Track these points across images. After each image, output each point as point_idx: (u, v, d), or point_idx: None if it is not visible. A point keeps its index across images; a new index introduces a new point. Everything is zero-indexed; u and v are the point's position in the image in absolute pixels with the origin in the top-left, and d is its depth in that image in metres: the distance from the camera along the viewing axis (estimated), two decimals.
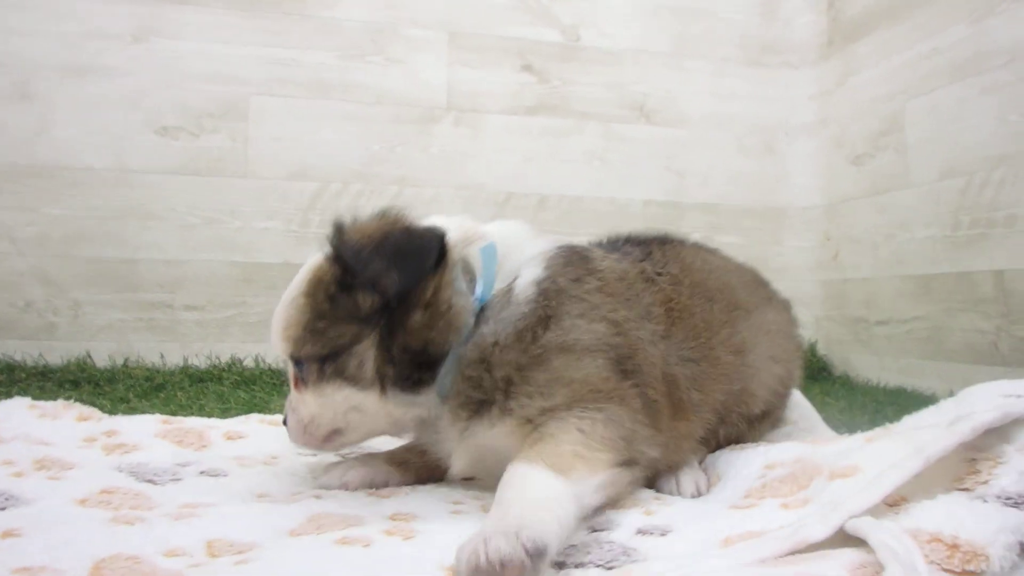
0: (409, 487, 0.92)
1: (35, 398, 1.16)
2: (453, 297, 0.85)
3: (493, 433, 0.84)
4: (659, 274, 1.01)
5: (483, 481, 0.92)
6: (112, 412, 1.45)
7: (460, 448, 0.87)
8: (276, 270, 2.09)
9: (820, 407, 1.78)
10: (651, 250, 1.06)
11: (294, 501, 0.82)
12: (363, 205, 2.17)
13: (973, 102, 1.89)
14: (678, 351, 0.95)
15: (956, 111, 1.94)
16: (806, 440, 0.94)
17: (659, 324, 0.94)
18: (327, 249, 0.89)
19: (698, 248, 1.16)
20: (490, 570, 0.59)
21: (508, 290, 0.89)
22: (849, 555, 0.57)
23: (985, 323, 1.85)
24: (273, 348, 0.92)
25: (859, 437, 0.88)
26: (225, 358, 2.02)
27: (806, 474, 0.79)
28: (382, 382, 0.85)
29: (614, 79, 2.39)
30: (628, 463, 0.80)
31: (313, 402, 0.88)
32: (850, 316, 2.33)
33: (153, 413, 1.44)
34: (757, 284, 1.18)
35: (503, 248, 0.92)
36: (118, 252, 1.99)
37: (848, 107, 2.36)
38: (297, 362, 0.89)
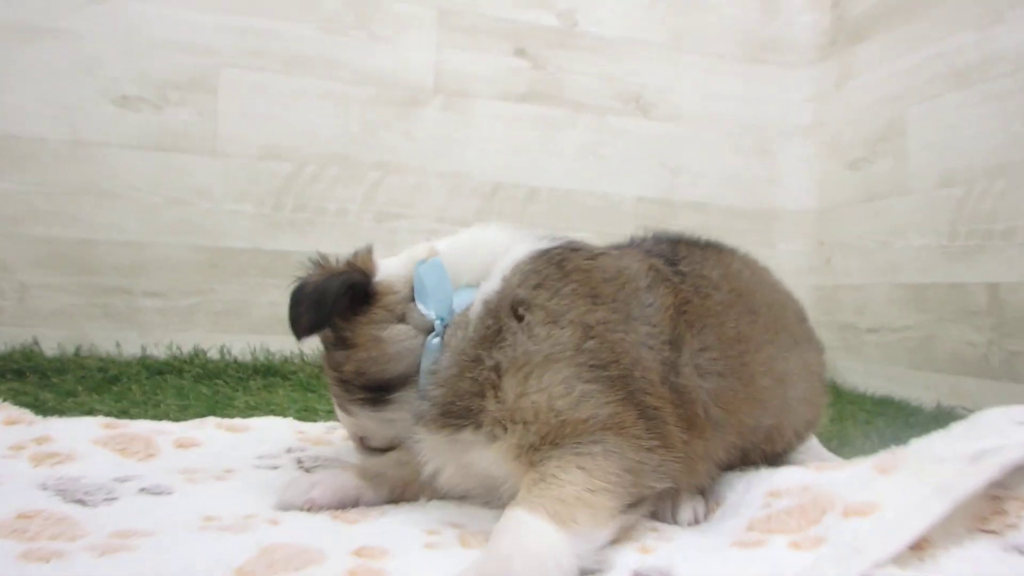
0: (379, 509, 0.82)
1: None
2: (383, 332, 0.85)
3: (482, 455, 0.77)
4: (680, 273, 0.91)
5: (461, 505, 0.84)
6: (57, 406, 1.34)
7: (444, 461, 0.81)
8: (246, 256, 1.97)
9: None
10: (682, 250, 0.97)
11: (246, 527, 0.72)
12: (341, 190, 2.07)
13: (976, 109, 1.83)
14: (695, 360, 0.85)
15: (959, 118, 1.89)
16: (810, 466, 0.87)
17: (660, 327, 0.83)
18: None
19: (748, 259, 1.07)
20: None
21: (467, 310, 0.84)
22: None
23: (977, 335, 1.80)
24: None
25: (868, 465, 0.82)
26: (187, 349, 1.90)
27: (816, 507, 0.71)
28: (339, 401, 0.91)
29: (610, 69, 2.30)
30: (636, 504, 0.72)
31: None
32: (840, 323, 2.29)
33: (104, 408, 1.33)
34: (802, 318, 1.08)
35: (470, 261, 0.88)
36: (71, 232, 1.85)
37: (847, 110, 2.30)
38: None
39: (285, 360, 1.92)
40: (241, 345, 1.94)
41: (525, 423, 0.73)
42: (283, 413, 1.38)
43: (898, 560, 0.58)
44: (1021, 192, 1.72)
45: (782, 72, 2.46)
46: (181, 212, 1.93)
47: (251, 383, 1.77)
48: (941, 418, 1.63)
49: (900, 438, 1.03)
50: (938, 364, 1.92)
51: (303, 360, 1.93)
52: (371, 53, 2.08)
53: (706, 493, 0.88)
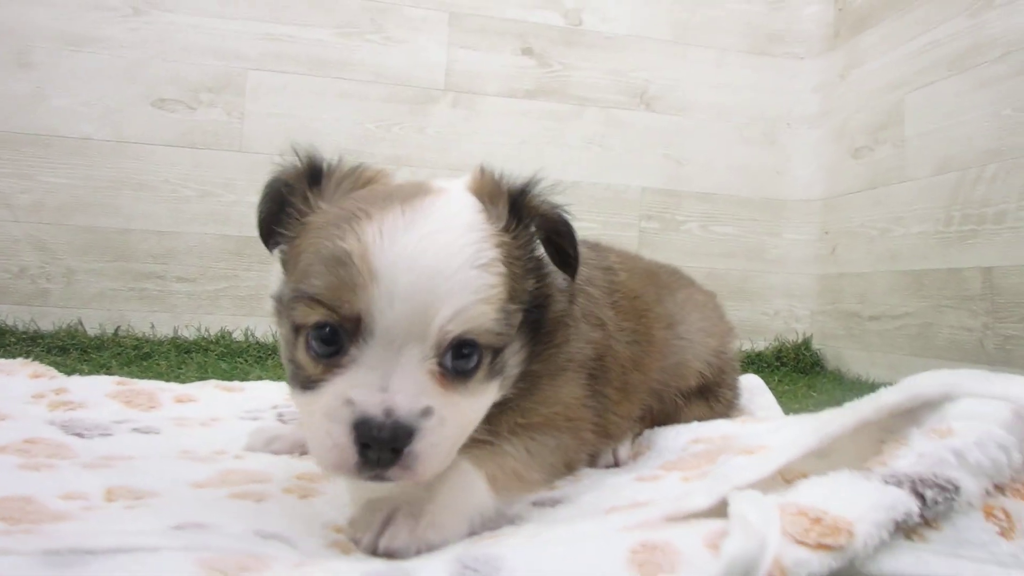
0: None
1: None
2: None
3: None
4: (614, 263, 0.99)
5: None
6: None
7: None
8: None
9: (803, 400, 1.76)
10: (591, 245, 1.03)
11: (215, 460, 0.83)
12: None
13: (969, 96, 1.84)
14: (626, 336, 0.93)
15: (953, 105, 1.89)
16: (738, 420, 0.94)
17: (621, 314, 0.92)
18: (504, 201, 0.71)
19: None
20: (376, 552, 0.58)
21: None
22: (714, 525, 0.56)
23: (972, 320, 1.81)
24: (433, 322, 0.60)
25: (790, 419, 0.88)
26: (215, 330, 2.06)
27: (720, 451, 0.79)
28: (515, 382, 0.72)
29: (615, 65, 2.37)
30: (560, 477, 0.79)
31: (468, 408, 0.65)
32: (844, 311, 2.30)
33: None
34: (680, 274, 1.19)
35: None
36: (112, 222, 2.04)
37: (851, 100, 2.32)
38: (461, 351, 0.62)
39: None
40: (264, 328, 2.10)
41: (538, 410, 0.75)
42: None
43: (766, 486, 0.64)
44: (1011, 176, 1.73)
45: (788, 63, 2.49)
46: (210, 204, 2.11)
47: (268, 361, 1.92)
48: None
49: None
50: (936, 351, 1.92)
51: None
52: (386, 54, 2.22)
53: (639, 442, 0.96)
